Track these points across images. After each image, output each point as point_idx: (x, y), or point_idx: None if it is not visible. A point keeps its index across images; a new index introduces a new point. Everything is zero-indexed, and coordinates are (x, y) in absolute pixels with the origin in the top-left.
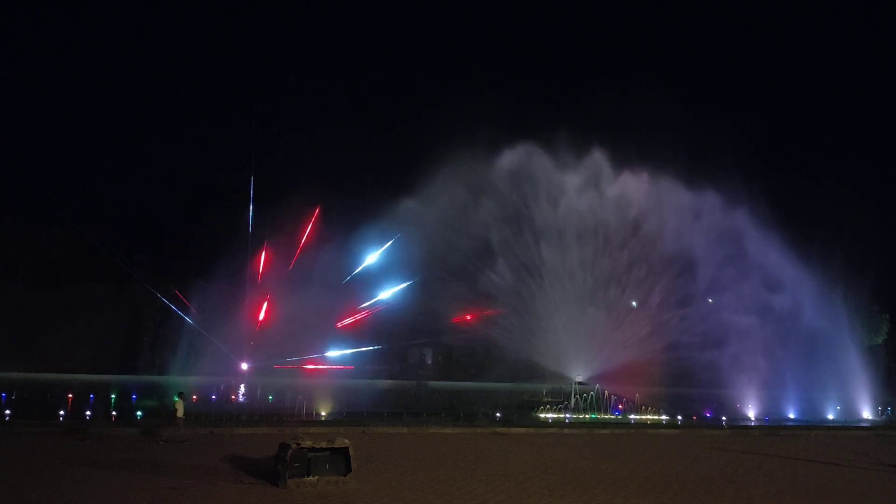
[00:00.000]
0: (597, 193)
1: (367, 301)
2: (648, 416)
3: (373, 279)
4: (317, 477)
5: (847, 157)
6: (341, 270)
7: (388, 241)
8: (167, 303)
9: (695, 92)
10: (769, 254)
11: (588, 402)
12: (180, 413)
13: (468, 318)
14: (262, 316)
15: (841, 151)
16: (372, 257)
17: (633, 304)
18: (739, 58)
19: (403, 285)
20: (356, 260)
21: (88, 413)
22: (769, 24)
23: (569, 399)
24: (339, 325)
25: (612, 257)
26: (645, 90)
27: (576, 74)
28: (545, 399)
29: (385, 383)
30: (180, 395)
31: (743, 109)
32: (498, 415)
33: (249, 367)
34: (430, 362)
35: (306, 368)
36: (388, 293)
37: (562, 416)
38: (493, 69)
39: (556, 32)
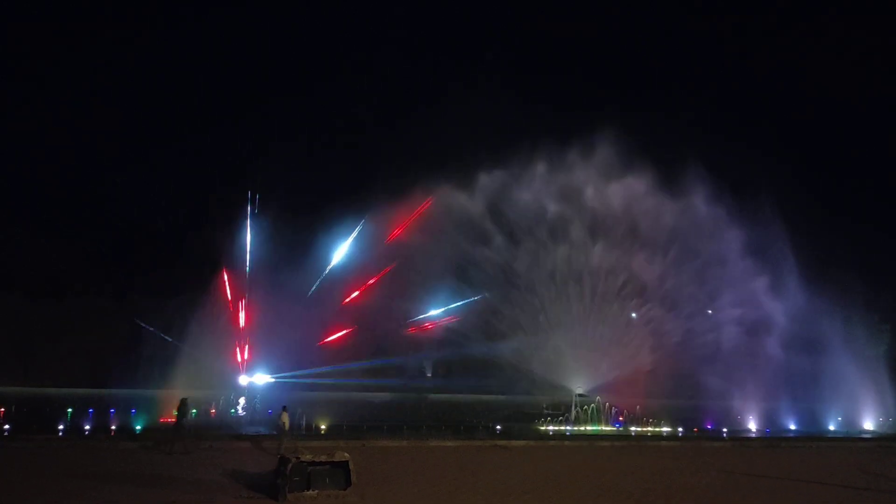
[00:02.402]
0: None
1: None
2: (649, 428)
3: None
4: (316, 491)
5: (846, 165)
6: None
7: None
8: (167, 314)
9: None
10: (770, 265)
11: (589, 414)
12: (286, 426)
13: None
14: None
15: (837, 158)
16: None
17: (633, 315)
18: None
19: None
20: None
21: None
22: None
23: (569, 411)
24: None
25: (616, 269)
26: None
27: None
28: (545, 411)
29: (384, 396)
30: (284, 408)
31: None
32: (498, 427)
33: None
34: (429, 374)
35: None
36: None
37: (562, 428)
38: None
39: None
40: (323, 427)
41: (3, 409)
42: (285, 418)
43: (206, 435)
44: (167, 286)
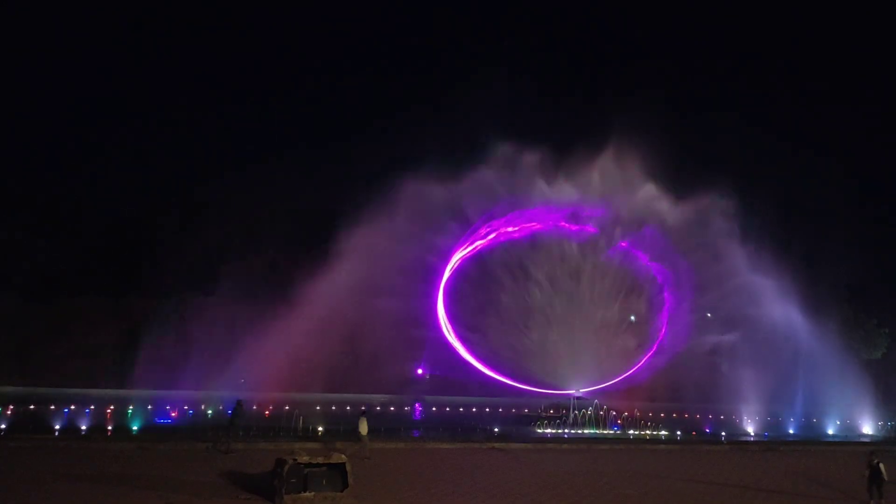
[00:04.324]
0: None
1: None
2: (647, 432)
3: None
4: (313, 493)
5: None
6: None
7: None
8: (165, 315)
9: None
10: (768, 269)
11: (587, 417)
12: (364, 430)
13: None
14: None
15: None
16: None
17: (632, 318)
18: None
19: None
20: None
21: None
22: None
23: (567, 414)
24: None
25: (614, 273)
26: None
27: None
28: (544, 414)
29: (381, 398)
30: (363, 412)
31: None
32: (496, 430)
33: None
34: (427, 376)
35: None
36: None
37: (560, 431)
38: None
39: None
40: (320, 429)
41: None
42: (363, 423)
43: (266, 437)
44: (166, 286)
